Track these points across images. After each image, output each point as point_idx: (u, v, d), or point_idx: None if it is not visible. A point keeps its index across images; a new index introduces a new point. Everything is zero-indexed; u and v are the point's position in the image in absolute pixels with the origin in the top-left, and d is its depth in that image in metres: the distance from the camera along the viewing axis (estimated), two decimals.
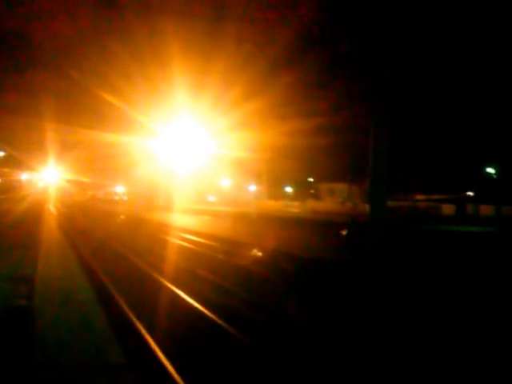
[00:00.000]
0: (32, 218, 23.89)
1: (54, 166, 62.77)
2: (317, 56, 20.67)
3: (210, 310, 6.77)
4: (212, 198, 63.64)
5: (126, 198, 70.54)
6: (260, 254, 13.10)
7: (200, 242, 16.17)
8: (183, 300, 7.61)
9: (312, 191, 58.09)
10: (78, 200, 65.79)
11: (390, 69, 19.62)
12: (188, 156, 40.52)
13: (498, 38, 19.39)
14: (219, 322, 6.25)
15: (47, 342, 4.88)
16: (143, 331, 5.64)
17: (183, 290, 8.10)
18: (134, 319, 6.15)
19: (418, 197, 37.43)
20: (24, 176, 65.31)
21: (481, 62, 20.75)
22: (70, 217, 30.76)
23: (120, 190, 76.44)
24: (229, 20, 20.01)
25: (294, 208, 49.89)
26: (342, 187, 54.17)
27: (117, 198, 73.51)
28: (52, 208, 40.91)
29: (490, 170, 31.04)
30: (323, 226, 23.27)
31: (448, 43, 19.47)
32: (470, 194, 36.68)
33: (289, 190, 62.13)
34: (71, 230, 19.66)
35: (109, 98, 24.94)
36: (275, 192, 58.47)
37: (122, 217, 31.36)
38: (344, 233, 17.78)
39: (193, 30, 20.44)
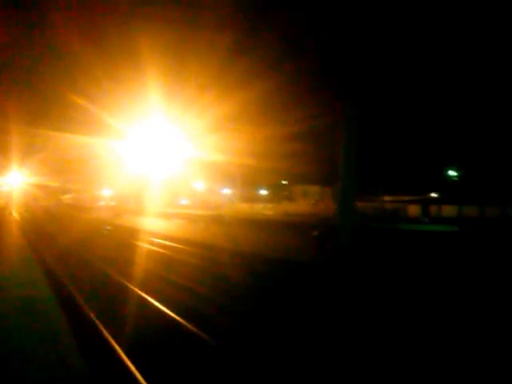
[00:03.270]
0: None
1: (18, 169, 60.05)
2: (292, 62, 20.90)
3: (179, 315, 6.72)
4: (185, 202, 63.14)
5: (113, 203, 63.56)
6: (233, 257, 13.08)
7: (174, 247, 16.00)
8: (151, 305, 7.49)
9: (286, 193, 58.63)
10: (44, 206, 63.44)
11: (359, 73, 20.04)
12: (161, 159, 40.07)
13: (462, 42, 20.18)
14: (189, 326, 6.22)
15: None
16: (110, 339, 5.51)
17: (150, 294, 7.99)
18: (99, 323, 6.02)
19: (385, 198, 38.50)
20: None
21: (444, 70, 21.60)
22: (34, 225, 29.82)
23: (106, 194, 68.68)
24: (203, 25, 19.98)
25: (268, 210, 50.20)
26: (315, 189, 55.02)
27: (102, 203, 66.15)
28: (15, 214, 39.63)
29: (452, 173, 32.42)
30: (296, 227, 23.47)
31: (413, 48, 20.13)
32: (434, 195, 38.09)
33: (263, 192, 62.41)
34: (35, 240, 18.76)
35: (79, 100, 24.33)
36: (249, 195, 58.60)
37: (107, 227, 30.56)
38: (315, 234, 18.15)
39: (167, 33, 20.24)
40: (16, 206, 55.01)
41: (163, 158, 39.56)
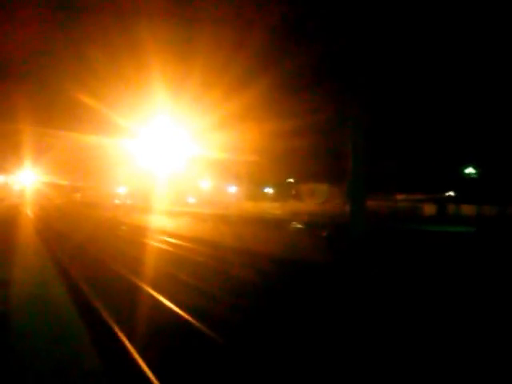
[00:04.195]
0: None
1: (30, 168, 60.45)
2: (296, 56, 20.49)
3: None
4: (191, 200, 62.98)
5: (128, 201, 63.10)
6: (242, 256, 12.98)
7: (186, 246, 16.26)
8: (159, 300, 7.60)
9: (293, 192, 58.12)
10: (57, 204, 64.05)
11: (368, 69, 19.42)
12: (167, 157, 40.10)
13: (474, 37, 19.46)
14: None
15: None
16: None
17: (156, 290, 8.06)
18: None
19: (399, 197, 37.77)
20: None
21: (459, 64, 20.86)
22: (48, 224, 29.88)
23: (119, 192, 68.12)
24: (206, 21, 19.65)
25: (275, 209, 49.76)
26: (322, 188, 54.33)
27: (117, 201, 64.98)
28: (29, 212, 40.35)
29: (470, 170, 31.47)
30: (304, 227, 23.21)
31: (425, 43, 19.46)
32: (451, 193, 37.19)
33: (269, 191, 61.96)
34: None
35: (87, 100, 24.24)
36: (255, 193, 58.24)
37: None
38: (324, 234, 17.58)
39: (170, 31, 20.02)
40: (29, 204, 55.80)
41: (170, 156, 39.71)
